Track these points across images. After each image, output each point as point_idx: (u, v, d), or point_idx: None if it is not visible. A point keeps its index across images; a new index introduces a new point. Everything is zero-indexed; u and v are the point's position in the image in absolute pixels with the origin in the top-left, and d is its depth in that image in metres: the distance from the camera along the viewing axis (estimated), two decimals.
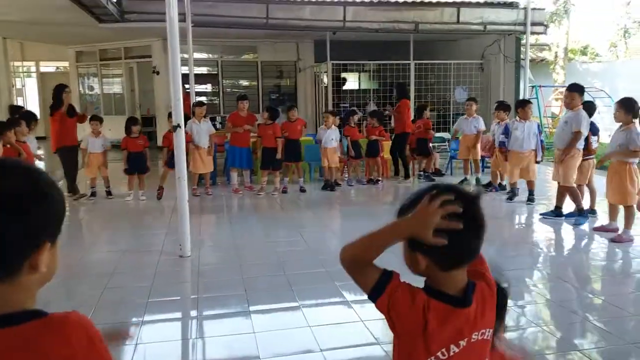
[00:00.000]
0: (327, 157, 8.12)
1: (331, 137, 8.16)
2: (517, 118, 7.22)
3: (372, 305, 1.26)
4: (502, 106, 8.00)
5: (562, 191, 6.13)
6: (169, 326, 3.66)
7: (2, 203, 0.89)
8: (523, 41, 12.29)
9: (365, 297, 1.27)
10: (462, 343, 1.29)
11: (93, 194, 7.73)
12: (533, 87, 14.64)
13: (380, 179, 8.81)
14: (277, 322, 3.60)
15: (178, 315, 3.78)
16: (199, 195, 7.79)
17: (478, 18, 11.87)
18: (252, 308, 3.70)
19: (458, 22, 11.80)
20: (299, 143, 8.21)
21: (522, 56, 12.43)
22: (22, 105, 13.61)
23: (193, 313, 3.73)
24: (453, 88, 13.24)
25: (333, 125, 8.22)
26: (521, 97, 11.67)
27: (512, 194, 7.33)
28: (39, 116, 10.43)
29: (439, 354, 1.28)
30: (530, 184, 7.15)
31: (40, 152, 6.92)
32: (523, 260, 4.93)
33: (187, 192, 4.94)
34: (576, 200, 5.98)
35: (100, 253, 5.41)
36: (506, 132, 7.34)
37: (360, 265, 1.28)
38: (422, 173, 9.12)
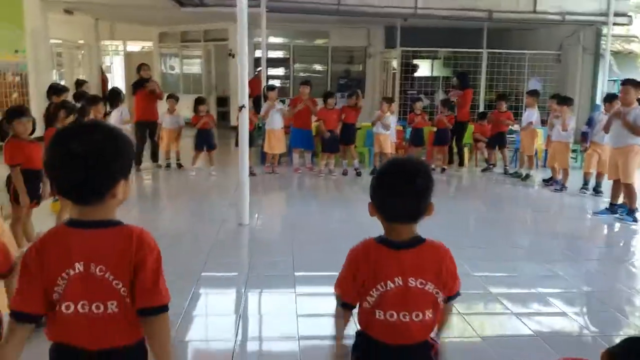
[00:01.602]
0: (379, 143, 8.27)
1: (386, 123, 8.29)
2: (604, 110, 7.09)
3: None
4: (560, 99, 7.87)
5: (621, 188, 6.02)
6: (224, 279, 4.08)
7: (94, 154, 1.36)
8: (605, 32, 11.78)
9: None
10: (398, 282, 1.59)
11: (168, 166, 8.40)
12: (615, 81, 13.99)
13: (445, 167, 8.86)
14: (317, 287, 3.93)
15: (233, 273, 4.18)
16: (271, 172, 8.19)
17: (556, 7, 11.48)
18: (296, 273, 4.06)
19: (534, 11, 11.48)
20: (354, 127, 8.46)
21: (605, 48, 11.92)
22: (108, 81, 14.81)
23: (244, 271, 4.14)
24: (527, 79, 12.91)
25: (388, 112, 8.37)
26: (598, 91, 11.28)
27: (585, 185, 7.29)
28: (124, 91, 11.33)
29: (373, 291, 1.60)
30: (600, 176, 7.09)
31: (127, 126, 7.63)
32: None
33: (247, 166, 5.36)
34: (631, 198, 5.85)
35: (170, 218, 5.98)
36: (590, 122, 7.23)
37: None
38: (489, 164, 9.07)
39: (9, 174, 4.06)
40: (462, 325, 3.31)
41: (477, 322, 3.40)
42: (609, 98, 7.08)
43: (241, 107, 5.12)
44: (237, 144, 7.85)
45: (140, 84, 8.28)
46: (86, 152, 1.35)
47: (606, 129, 6.14)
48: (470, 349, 3.07)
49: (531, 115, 8.26)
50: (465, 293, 3.66)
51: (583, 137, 7.23)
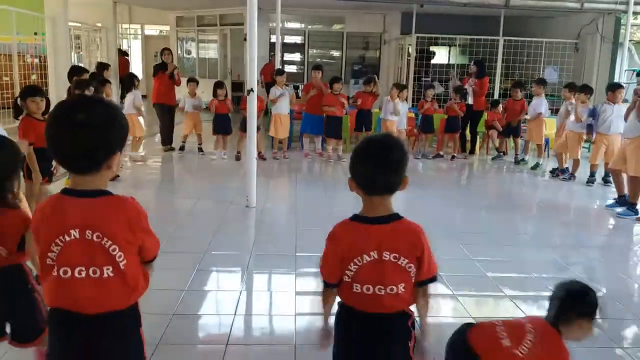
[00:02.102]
0: (385, 128, 8.30)
1: (390, 110, 8.32)
2: (607, 100, 7.03)
3: None
4: (574, 88, 7.82)
5: (621, 178, 6.03)
6: (228, 257, 4.20)
7: (95, 125, 1.47)
8: (624, 21, 11.58)
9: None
10: (373, 255, 1.68)
11: (182, 148, 8.55)
12: (634, 71, 13.76)
13: (455, 155, 8.89)
14: (316, 267, 4.02)
15: (236, 252, 4.30)
16: (278, 158, 8.29)
17: None
18: (298, 254, 4.17)
19: None
20: (370, 113, 8.50)
21: (624, 37, 11.72)
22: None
23: (248, 249, 4.27)
24: (543, 67, 12.78)
25: (398, 99, 8.38)
26: (616, 80, 11.12)
27: (592, 177, 7.24)
28: (141, 75, 11.50)
29: (351, 265, 1.70)
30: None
31: (142, 108, 7.79)
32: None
33: (255, 150, 5.46)
34: (635, 191, 5.82)
35: (181, 198, 6.13)
36: (593, 114, 7.15)
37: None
38: (500, 152, 9.05)
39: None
40: (453, 305, 3.40)
41: (470, 303, 3.48)
42: (612, 87, 7.03)
43: (249, 91, 5.21)
44: (241, 128, 7.95)
45: (161, 67, 8.42)
46: (89, 123, 1.46)
47: (625, 117, 6.10)
48: None
49: (539, 104, 8.23)
50: (463, 276, 3.81)
51: (589, 130, 7.16)
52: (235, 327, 3.05)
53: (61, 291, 1.53)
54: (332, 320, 1.87)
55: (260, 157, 8.21)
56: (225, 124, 8.23)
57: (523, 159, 8.62)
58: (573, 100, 7.52)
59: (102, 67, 8.30)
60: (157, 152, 8.53)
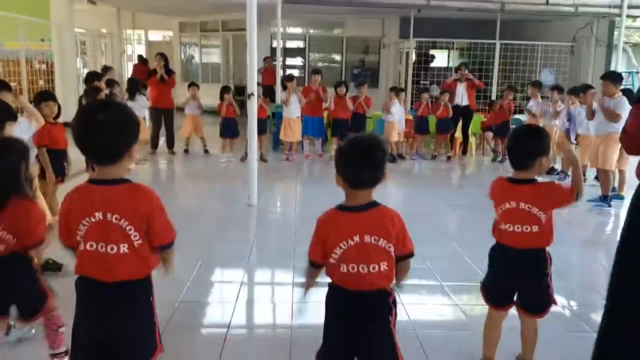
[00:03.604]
0: (389, 130, 8.56)
1: (389, 111, 8.56)
2: (578, 103, 7.28)
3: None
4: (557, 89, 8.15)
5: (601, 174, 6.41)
6: (229, 250, 4.45)
7: (113, 124, 1.76)
8: (618, 24, 11.82)
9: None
10: (356, 239, 1.92)
11: (186, 151, 8.81)
12: (630, 73, 13.99)
13: (450, 154, 9.13)
14: None
15: (238, 246, 4.54)
16: (292, 161, 8.48)
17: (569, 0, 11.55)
18: (297, 248, 4.41)
19: (547, 3, 11.54)
20: (363, 116, 8.76)
21: (618, 40, 11.95)
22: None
23: (249, 245, 4.52)
24: (539, 70, 13.02)
25: (396, 102, 8.63)
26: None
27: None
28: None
29: (337, 249, 1.93)
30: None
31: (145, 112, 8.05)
32: None
33: (256, 152, 5.72)
34: (606, 185, 6.23)
35: (186, 197, 6.42)
36: (569, 118, 7.38)
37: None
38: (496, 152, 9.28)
39: (36, 154, 4.46)
40: (443, 298, 3.64)
41: (459, 296, 3.71)
42: (583, 89, 7.28)
43: (249, 95, 5.46)
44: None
45: (153, 72, 8.70)
46: (109, 121, 1.75)
47: (589, 116, 6.48)
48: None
49: (533, 105, 8.48)
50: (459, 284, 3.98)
51: (566, 135, 7.41)
52: (236, 315, 3.29)
53: (86, 262, 1.82)
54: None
55: (262, 159, 8.46)
56: (233, 127, 8.41)
57: None
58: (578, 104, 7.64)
59: (93, 77, 7.75)
60: (163, 154, 8.75)
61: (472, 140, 9.74)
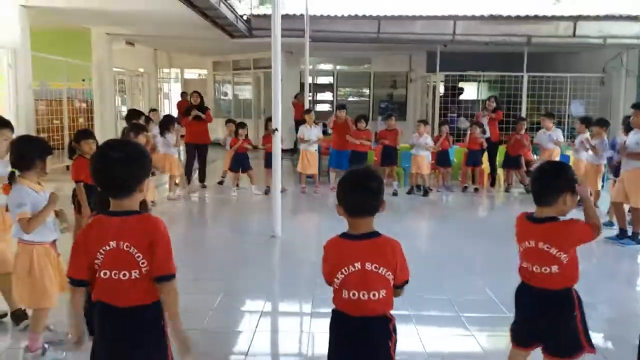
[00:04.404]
0: (417, 164, 8.66)
1: (420, 144, 8.67)
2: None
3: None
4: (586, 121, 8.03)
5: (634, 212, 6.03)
6: (253, 280, 4.57)
7: (126, 161, 1.93)
8: None
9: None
10: (357, 266, 2.02)
11: (220, 182, 9.19)
12: None
13: (477, 187, 9.15)
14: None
15: (261, 275, 4.68)
16: (306, 192, 8.66)
17: (597, 31, 11.55)
18: (317, 280, 4.49)
19: (574, 35, 11.60)
20: (394, 149, 8.87)
21: None
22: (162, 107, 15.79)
23: (273, 273, 4.64)
24: (569, 102, 12.94)
25: (425, 134, 8.74)
26: None
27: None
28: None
29: (339, 274, 2.04)
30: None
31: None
32: None
33: (280, 183, 5.89)
34: (638, 221, 5.91)
35: (214, 228, 6.65)
36: (613, 146, 7.23)
37: None
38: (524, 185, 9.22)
39: (74, 188, 4.72)
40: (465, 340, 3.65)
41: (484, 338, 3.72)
42: (599, 123, 7.38)
43: (274, 130, 5.67)
44: (265, 165, 8.32)
45: (188, 110, 9.03)
46: (121, 158, 1.92)
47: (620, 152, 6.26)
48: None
49: (549, 137, 8.49)
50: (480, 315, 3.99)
51: (609, 162, 7.28)
52: (254, 343, 3.39)
53: (101, 288, 1.98)
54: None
55: (282, 190, 8.64)
56: (244, 161, 8.61)
57: None
58: (587, 134, 7.68)
59: (135, 114, 7.68)
60: (196, 187, 9.02)
61: (500, 172, 9.72)
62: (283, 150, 8.59)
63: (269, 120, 8.60)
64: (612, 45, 11.69)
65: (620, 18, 11.73)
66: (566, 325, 2.36)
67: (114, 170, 1.93)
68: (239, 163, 8.63)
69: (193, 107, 9.07)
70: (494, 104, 9.53)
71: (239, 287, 4.42)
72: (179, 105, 13.89)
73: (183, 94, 14.89)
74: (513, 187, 9.33)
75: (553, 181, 2.37)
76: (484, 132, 9.15)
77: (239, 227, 6.70)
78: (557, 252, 2.33)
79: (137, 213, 1.99)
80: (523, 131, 9.17)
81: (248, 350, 3.26)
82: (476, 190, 9.07)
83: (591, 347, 2.39)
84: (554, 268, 2.34)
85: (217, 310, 3.86)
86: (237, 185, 8.64)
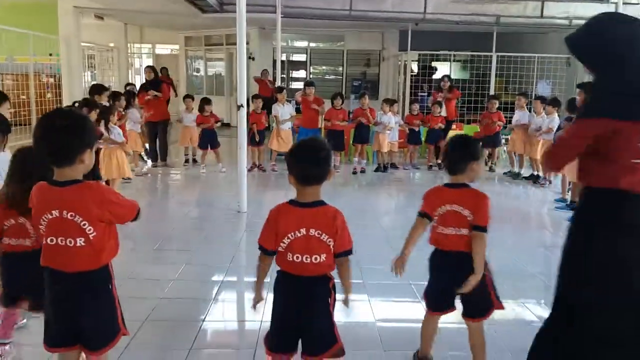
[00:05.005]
0: (378, 141, 8.84)
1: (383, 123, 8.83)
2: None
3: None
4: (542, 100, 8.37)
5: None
6: (218, 254, 4.69)
7: (68, 130, 1.98)
8: None
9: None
10: (302, 232, 2.17)
11: (187, 161, 9.09)
12: None
13: (432, 164, 9.39)
14: None
15: (224, 247, 4.81)
16: (277, 170, 8.68)
17: (564, 12, 11.79)
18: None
19: (542, 16, 11.82)
20: (367, 127, 8.96)
21: None
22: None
23: (235, 246, 4.79)
24: (536, 82, 13.21)
25: (390, 113, 8.89)
26: None
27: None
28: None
29: (285, 239, 2.19)
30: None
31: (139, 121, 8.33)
32: None
33: (245, 159, 5.99)
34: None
35: (180, 204, 6.75)
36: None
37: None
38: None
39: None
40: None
41: None
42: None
43: (239, 107, 5.74)
44: (250, 142, 8.34)
45: (144, 87, 8.90)
46: (63, 126, 1.98)
47: None
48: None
49: (522, 116, 8.71)
50: None
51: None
52: (211, 310, 3.53)
53: (48, 254, 2.08)
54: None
55: (260, 168, 8.73)
56: (212, 138, 8.61)
57: (518, 173, 8.83)
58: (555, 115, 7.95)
59: (96, 90, 7.39)
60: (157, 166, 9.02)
61: None
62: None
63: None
64: (577, 26, 11.80)
65: None
66: (478, 286, 2.53)
67: (51, 138, 1.98)
68: (207, 140, 8.63)
69: (148, 84, 8.93)
70: (449, 83, 9.78)
71: (200, 259, 4.55)
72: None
73: (165, 72, 14.73)
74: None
75: (462, 152, 2.60)
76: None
77: (205, 202, 6.81)
78: (468, 213, 2.52)
79: (79, 182, 2.03)
80: (494, 109, 9.26)
81: (205, 317, 3.40)
82: (439, 166, 9.28)
83: (500, 303, 2.63)
84: (465, 231, 2.54)
85: (177, 279, 3.98)
86: (218, 161, 8.60)
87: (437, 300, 2.70)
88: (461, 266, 2.53)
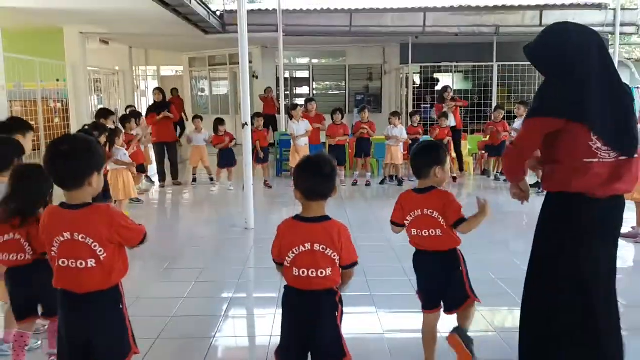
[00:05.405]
0: (390, 154, 8.87)
1: (392, 136, 8.88)
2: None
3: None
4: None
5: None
6: (227, 271, 4.73)
7: (77, 154, 2.06)
8: (613, 43, 12.07)
9: None
10: (307, 246, 2.22)
11: (194, 180, 9.19)
12: (632, 88, 14.12)
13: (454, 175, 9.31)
14: None
15: (233, 264, 4.85)
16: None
17: (562, 20, 11.85)
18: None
19: (541, 24, 11.91)
20: (368, 140, 9.07)
21: (613, 57, 12.18)
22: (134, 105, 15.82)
23: (243, 263, 4.83)
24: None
25: (400, 125, 8.96)
26: None
27: None
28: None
29: (290, 253, 2.24)
30: None
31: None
32: None
33: (252, 176, 6.06)
34: None
35: (188, 222, 6.84)
36: None
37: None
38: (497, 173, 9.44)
39: None
40: None
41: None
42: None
43: (244, 125, 5.83)
44: (256, 160, 8.41)
45: (153, 109, 8.98)
46: (66, 151, 2.05)
47: None
48: None
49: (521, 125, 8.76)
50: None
51: None
52: (221, 327, 3.58)
53: (61, 276, 2.13)
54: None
55: (267, 185, 8.80)
56: (229, 157, 8.73)
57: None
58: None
59: (103, 114, 7.54)
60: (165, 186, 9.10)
61: (470, 160, 9.99)
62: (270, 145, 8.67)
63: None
64: None
65: (585, 6, 12.09)
66: (455, 280, 2.72)
67: (59, 163, 2.05)
68: (226, 160, 8.70)
69: (156, 105, 9.04)
70: (452, 94, 9.86)
71: (210, 276, 4.59)
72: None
73: (174, 93, 14.91)
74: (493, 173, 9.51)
75: (426, 157, 2.73)
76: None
77: (213, 220, 6.89)
78: (438, 215, 2.67)
79: (88, 205, 2.10)
80: (499, 119, 9.27)
81: (215, 334, 3.44)
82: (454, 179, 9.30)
83: (475, 296, 2.75)
84: (438, 231, 2.68)
85: (187, 297, 4.03)
86: (229, 180, 8.70)
87: (426, 298, 2.82)
88: (442, 264, 2.73)
